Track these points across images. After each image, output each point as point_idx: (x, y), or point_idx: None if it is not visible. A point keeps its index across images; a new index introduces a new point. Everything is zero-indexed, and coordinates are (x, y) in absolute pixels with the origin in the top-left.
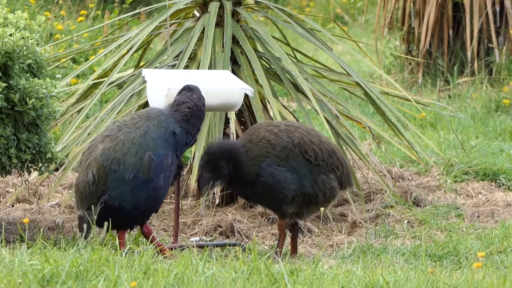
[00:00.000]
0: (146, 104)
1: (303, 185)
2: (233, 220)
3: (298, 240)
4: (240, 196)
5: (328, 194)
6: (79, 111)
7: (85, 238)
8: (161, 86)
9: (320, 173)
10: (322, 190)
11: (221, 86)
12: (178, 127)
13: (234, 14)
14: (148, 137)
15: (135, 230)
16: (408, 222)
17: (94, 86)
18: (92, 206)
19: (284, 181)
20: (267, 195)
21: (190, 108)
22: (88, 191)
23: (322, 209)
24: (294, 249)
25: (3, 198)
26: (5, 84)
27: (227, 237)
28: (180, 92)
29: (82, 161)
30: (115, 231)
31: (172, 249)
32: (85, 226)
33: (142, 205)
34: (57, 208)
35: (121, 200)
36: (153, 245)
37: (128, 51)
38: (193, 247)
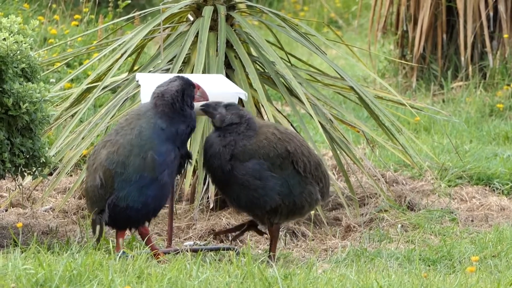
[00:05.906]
0: None
1: (291, 193)
2: (227, 224)
3: (292, 244)
4: (209, 168)
5: (313, 205)
6: (73, 116)
7: (98, 241)
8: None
9: (308, 184)
10: (309, 201)
11: (215, 90)
12: (162, 122)
13: (228, 18)
14: (143, 136)
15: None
16: (402, 226)
17: (88, 90)
18: (103, 209)
19: (271, 189)
20: (248, 192)
21: (164, 100)
22: (97, 195)
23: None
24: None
25: None
26: None
27: (221, 241)
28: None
29: (89, 166)
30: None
31: (166, 253)
32: (97, 228)
33: (151, 203)
34: (51, 213)
35: (129, 201)
36: (148, 247)
37: (122, 55)
38: (187, 251)
